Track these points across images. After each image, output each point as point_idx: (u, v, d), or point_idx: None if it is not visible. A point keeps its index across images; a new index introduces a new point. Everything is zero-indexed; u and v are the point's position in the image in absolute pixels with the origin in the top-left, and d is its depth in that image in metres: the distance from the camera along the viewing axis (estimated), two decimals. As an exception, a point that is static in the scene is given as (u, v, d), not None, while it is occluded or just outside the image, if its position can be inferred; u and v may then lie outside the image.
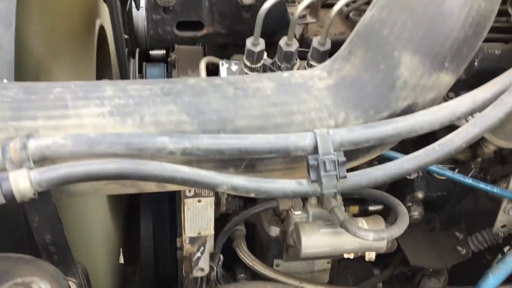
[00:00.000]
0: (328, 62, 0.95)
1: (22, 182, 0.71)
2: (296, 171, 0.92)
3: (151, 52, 1.90)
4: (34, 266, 0.83)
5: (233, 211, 1.38)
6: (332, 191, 0.83)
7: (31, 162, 0.75)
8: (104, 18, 1.70)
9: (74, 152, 0.77)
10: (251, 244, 1.43)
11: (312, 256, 1.19)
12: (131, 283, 2.15)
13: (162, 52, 1.93)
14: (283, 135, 0.84)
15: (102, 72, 1.69)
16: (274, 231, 1.37)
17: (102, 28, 1.67)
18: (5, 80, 0.89)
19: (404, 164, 0.85)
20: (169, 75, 1.62)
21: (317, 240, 1.16)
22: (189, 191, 1.15)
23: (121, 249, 2.24)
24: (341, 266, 1.58)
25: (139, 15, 1.77)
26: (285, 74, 0.94)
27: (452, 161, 1.26)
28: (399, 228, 1.08)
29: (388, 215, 1.34)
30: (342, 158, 0.82)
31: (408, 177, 1.33)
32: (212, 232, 1.23)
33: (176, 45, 1.34)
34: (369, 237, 1.07)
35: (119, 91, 0.87)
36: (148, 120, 0.85)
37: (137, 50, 1.79)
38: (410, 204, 1.31)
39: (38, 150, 0.75)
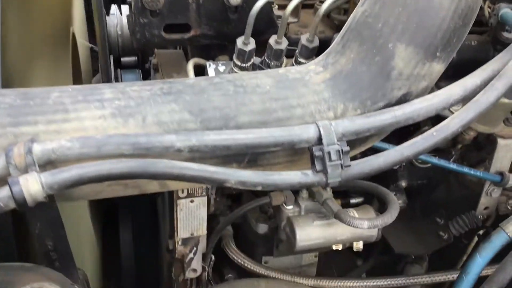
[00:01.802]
0: (321, 57, 0.97)
1: (34, 185, 0.69)
2: (297, 164, 0.93)
3: (123, 59, 1.87)
4: (38, 274, 0.81)
5: (220, 211, 1.38)
6: (337, 180, 0.85)
7: (37, 167, 0.73)
8: (75, 26, 1.66)
9: (82, 154, 0.75)
10: (237, 244, 1.43)
11: (306, 249, 1.21)
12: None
13: (134, 58, 1.90)
14: (287, 128, 0.85)
15: (75, 80, 1.65)
16: (262, 228, 1.38)
17: (73, 36, 1.63)
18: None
19: (404, 150, 0.88)
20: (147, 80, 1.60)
21: (311, 233, 1.18)
22: (182, 191, 1.15)
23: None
24: (326, 259, 1.61)
25: (111, 22, 1.74)
26: (281, 70, 0.95)
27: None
28: (391, 215, 1.11)
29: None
30: (346, 148, 0.84)
31: (391, 167, 1.36)
32: (205, 232, 1.22)
33: (156, 50, 1.33)
34: (363, 226, 1.09)
35: (119, 93, 0.86)
36: (150, 120, 0.84)
37: (111, 57, 1.76)
38: (394, 193, 1.35)
39: (44, 154, 0.73)
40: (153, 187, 0.90)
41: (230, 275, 1.45)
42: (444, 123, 0.88)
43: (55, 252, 0.85)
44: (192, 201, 1.16)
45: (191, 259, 1.24)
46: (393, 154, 0.88)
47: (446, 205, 1.48)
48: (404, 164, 1.36)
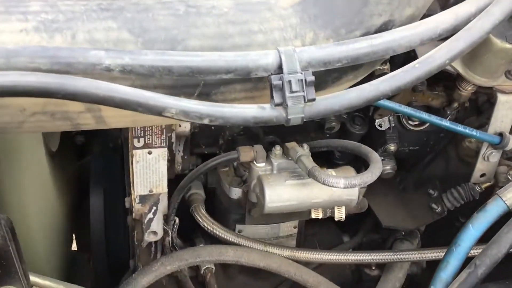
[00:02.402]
0: (291, -21, 0.83)
1: None
2: (257, 101, 0.80)
3: None
4: None
5: (189, 171, 1.25)
6: (298, 115, 0.72)
7: None
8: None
9: (-14, 64, 0.63)
10: (210, 211, 1.31)
11: (277, 211, 1.08)
12: (84, 269, 1.98)
13: None
14: (242, 52, 0.73)
15: None
16: (236, 193, 1.25)
17: None
18: None
19: (381, 85, 0.74)
20: None
21: (282, 193, 1.05)
22: (138, 141, 1.02)
23: (73, 235, 2.07)
24: (308, 233, 1.48)
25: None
26: (244, -9, 0.82)
27: (426, 108, 1.17)
28: (372, 173, 0.98)
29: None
30: (311, 78, 0.71)
31: (379, 127, 1.23)
32: (165, 189, 1.10)
33: None
34: (339, 184, 0.96)
35: (47, 6, 0.73)
36: (81, 38, 0.71)
37: None
38: (382, 158, 1.21)
39: None
40: (86, 120, 0.77)
41: (201, 245, 1.32)
42: (429, 54, 0.75)
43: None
44: (150, 153, 1.04)
45: (151, 219, 1.12)
46: (368, 89, 0.75)
47: (441, 176, 1.34)
48: (393, 125, 1.23)
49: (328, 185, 0.97)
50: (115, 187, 1.50)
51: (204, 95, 0.77)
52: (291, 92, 0.71)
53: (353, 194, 1.07)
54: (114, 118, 0.78)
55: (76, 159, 2.06)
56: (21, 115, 0.74)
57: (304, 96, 0.71)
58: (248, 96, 0.80)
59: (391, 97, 1.05)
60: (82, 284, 1.67)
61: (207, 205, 1.30)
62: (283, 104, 0.72)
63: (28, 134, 1.29)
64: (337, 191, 1.06)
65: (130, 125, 0.81)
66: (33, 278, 0.89)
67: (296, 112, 0.72)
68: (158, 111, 0.69)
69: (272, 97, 0.72)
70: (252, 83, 0.78)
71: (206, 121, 0.71)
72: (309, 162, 1.02)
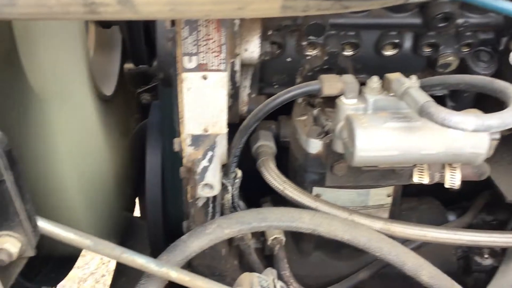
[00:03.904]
0: None
1: None
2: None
3: None
4: None
5: (258, 116, 0.99)
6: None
7: None
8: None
9: None
10: (282, 170, 1.05)
11: (370, 163, 0.80)
12: (139, 235, 1.81)
13: None
14: None
15: None
16: (315, 145, 0.98)
17: None
18: None
19: None
20: None
21: (379, 138, 0.76)
22: (189, 59, 0.78)
23: (135, 200, 1.90)
24: (404, 207, 1.18)
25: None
26: None
27: None
28: (516, 112, 0.67)
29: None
30: None
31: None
32: (225, 129, 0.85)
33: None
34: (467, 125, 0.67)
35: None
36: None
37: None
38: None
39: None
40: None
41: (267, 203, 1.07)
42: None
43: None
44: (205, 77, 0.79)
45: (205, 168, 0.88)
46: None
47: None
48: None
49: (449, 127, 0.68)
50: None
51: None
52: None
53: (481, 146, 0.77)
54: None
55: (140, 117, 1.88)
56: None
57: None
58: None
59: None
60: (137, 251, 1.46)
61: (279, 164, 1.04)
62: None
63: (70, 66, 1.09)
64: (459, 139, 0.76)
65: (167, 13, 0.56)
66: (43, 225, 0.67)
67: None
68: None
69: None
70: None
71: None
72: (421, 96, 0.73)
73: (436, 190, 0.95)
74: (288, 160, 1.09)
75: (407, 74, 0.92)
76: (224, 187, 0.94)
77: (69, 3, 0.53)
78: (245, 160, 1.00)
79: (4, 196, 0.59)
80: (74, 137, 1.07)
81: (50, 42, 0.99)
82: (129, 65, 1.66)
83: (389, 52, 0.98)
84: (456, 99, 1.02)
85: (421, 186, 0.94)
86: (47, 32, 0.96)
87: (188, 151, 0.86)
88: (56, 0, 0.53)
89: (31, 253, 0.63)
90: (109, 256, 0.77)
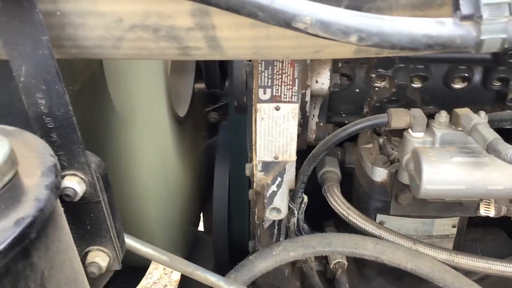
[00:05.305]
0: None
1: None
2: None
3: None
4: (14, 137, 0.56)
5: (325, 143, 1.03)
6: (498, 36, 0.47)
7: None
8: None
9: None
10: (346, 196, 1.07)
11: (436, 196, 0.82)
12: (206, 252, 1.88)
13: None
14: None
15: None
16: (380, 174, 1.00)
17: None
18: None
19: None
20: None
21: (446, 172, 0.78)
22: (264, 91, 0.83)
23: (200, 215, 1.97)
24: (469, 238, 1.18)
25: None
26: None
27: None
28: None
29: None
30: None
31: None
32: (294, 157, 0.89)
33: None
34: (536, 164, 0.67)
35: None
36: None
37: None
38: None
39: None
40: (196, 42, 0.59)
41: (330, 227, 1.10)
42: None
43: (51, 118, 0.59)
44: (277, 108, 0.84)
45: (274, 193, 0.92)
46: None
47: None
48: None
49: (517, 165, 0.69)
50: (244, 158, 1.33)
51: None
52: (490, -4, 0.46)
53: (551, 184, 0.77)
54: (230, 42, 0.60)
55: (208, 135, 1.96)
56: (118, 27, 0.58)
57: (510, 5, 0.46)
58: (415, 15, 0.56)
59: None
60: (202, 265, 1.52)
61: (343, 189, 1.07)
62: (474, 16, 0.47)
63: (150, 90, 1.18)
64: (528, 176, 0.77)
65: (250, 56, 0.62)
66: (130, 242, 0.74)
67: (495, 31, 0.47)
68: (284, 19, 0.49)
69: (456, 6, 0.48)
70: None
71: (353, 39, 0.49)
72: (489, 133, 0.74)
73: (504, 221, 0.95)
74: (352, 186, 1.12)
75: (476, 107, 0.93)
76: (290, 211, 0.98)
77: (166, 47, 0.60)
78: (309, 182, 1.04)
79: (98, 215, 0.66)
80: (153, 155, 1.15)
81: (133, 68, 1.08)
82: (199, 85, 1.75)
83: (458, 85, 0.99)
84: (526, 133, 1.01)
85: (488, 217, 0.95)
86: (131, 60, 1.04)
87: (259, 176, 0.91)
88: (155, 44, 0.59)
89: (117, 267, 0.70)
90: (183, 272, 0.83)
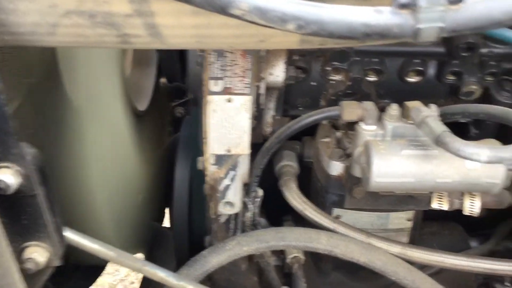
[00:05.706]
0: None
1: None
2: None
3: None
4: None
5: (281, 137, 1.02)
6: (435, 25, 0.46)
7: None
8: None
9: None
10: (304, 190, 1.07)
11: (386, 189, 0.82)
12: (167, 246, 1.85)
13: None
14: None
15: None
16: (336, 168, 1.00)
17: None
18: None
19: None
20: None
21: (395, 165, 0.78)
22: (215, 83, 0.81)
23: (164, 211, 1.94)
24: (425, 232, 1.18)
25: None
26: None
27: None
28: (533, 145, 0.68)
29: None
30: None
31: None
32: (247, 150, 0.88)
33: None
34: (481, 156, 0.68)
35: None
36: None
37: None
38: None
39: None
40: (136, 29, 0.58)
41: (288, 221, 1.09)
42: None
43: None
44: (229, 100, 0.83)
45: (227, 187, 0.91)
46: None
47: None
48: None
49: (464, 157, 0.69)
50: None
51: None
52: (425, -16, 0.45)
53: (497, 176, 0.78)
54: (171, 30, 0.58)
55: (174, 130, 1.93)
56: (52, 13, 0.56)
57: (446, -6, 0.46)
58: (359, 4, 0.55)
59: None
60: (164, 261, 1.49)
61: (302, 183, 1.07)
62: (411, 4, 0.46)
63: (106, 82, 1.15)
64: (475, 169, 0.77)
65: (194, 45, 0.60)
66: (71, 236, 0.72)
67: (431, 19, 0.47)
68: (220, 5, 0.47)
69: (394, -6, 0.47)
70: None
71: (291, 27, 0.48)
72: (437, 126, 0.75)
73: (460, 215, 0.96)
74: (311, 180, 1.11)
75: (430, 100, 0.94)
76: (245, 205, 0.97)
77: (105, 34, 0.58)
78: (268, 178, 1.03)
79: (35, 209, 0.64)
80: (104, 147, 1.12)
81: (88, 60, 1.05)
82: (164, 80, 1.72)
83: (412, 79, 0.99)
84: (479, 126, 1.02)
85: (445, 211, 0.95)
86: (86, 50, 1.01)
87: (211, 170, 0.90)
88: (92, 30, 0.57)
89: (57, 263, 0.67)
90: (131, 268, 0.81)
